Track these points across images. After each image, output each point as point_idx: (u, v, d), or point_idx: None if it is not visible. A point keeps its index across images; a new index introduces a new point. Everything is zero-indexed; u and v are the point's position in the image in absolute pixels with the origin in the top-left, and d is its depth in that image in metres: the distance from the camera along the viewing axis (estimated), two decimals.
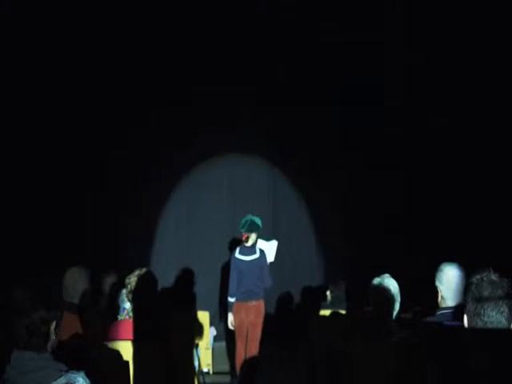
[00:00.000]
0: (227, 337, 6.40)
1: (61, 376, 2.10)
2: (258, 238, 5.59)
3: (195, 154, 7.34)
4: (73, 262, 4.01)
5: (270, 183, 7.64)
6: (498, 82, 6.10)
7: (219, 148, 7.45)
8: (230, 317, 5.45)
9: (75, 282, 3.70)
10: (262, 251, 5.50)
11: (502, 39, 5.96)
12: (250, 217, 5.52)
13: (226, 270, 6.07)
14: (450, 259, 3.22)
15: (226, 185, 7.57)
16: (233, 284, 5.42)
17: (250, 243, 5.46)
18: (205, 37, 6.80)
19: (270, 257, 5.87)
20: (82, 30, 6.31)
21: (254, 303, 5.38)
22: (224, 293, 5.88)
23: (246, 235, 5.45)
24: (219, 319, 6.55)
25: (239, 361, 5.42)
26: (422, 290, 3.65)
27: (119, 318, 3.88)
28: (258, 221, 5.49)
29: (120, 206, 6.78)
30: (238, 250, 5.52)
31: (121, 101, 6.77)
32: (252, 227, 5.41)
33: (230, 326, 5.50)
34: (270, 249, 5.96)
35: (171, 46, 6.82)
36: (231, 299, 5.43)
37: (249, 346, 5.39)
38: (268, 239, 6.31)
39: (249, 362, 5.27)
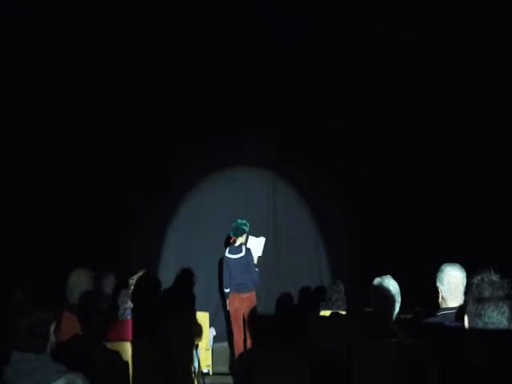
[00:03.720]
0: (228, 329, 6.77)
1: (60, 377, 2.10)
2: (247, 238, 6.49)
3: (197, 155, 7.34)
4: (73, 262, 4.00)
5: (270, 185, 7.65)
6: (499, 86, 6.12)
7: (220, 151, 7.45)
8: (228, 302, 6.38)
9: (82, 284, 3.69)
10: (247, 249, 6.32)
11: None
12: (237, 222, 6.38)
13: (221, 267, 6.70)
14: (451, 260, 3.21)
15: (226, 186, 7.57)
16: (226, 277, 6.36)
17: (237, 244, 6.36)
18: (204, 46, 6.79)
19: (258, 251, 6.62)
20: (83, 28, 6.28)
21: (246, 295, 6.21)
22: (221, 286, 6.71)
23: (233, 239, 6.41)
24: (222, 306, 6.96)
25: (238, 341, 6.22)
26: (422, 290, 3.64)
27: (119, 318, 3.88)
28: (245, 226, 6.36)
29: (121, 207, 6.78)
30: (228, 249, 6.41)
31: (126, 111, 6.78)
32: (238, 232, 6.34)
33: (229, 308, 6.41)
34: (258, 244, 6.66)
35: (171, 61, 6.80)
36: (226, 290, 6.38)
37: (247, 333, 6.13)
38: (257, 235, 6.78)
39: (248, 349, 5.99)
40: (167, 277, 5.61)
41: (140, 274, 4.54)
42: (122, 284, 4.49)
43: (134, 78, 6.69)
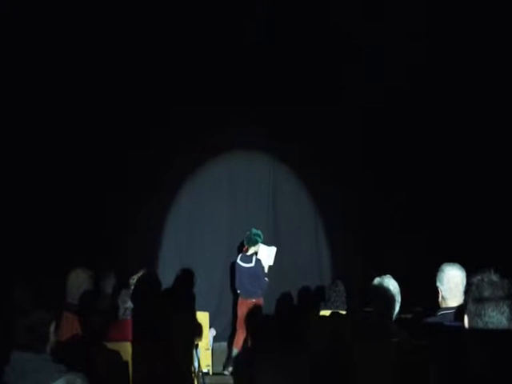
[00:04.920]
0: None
1: (60, 377, 2.10)
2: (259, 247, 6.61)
3: (196, 155, 7.34)
4: (73, 262, 4.00)
5: (271, 183, 7.65)
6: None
7: (220, 149, 7.45)
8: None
9: (80, 284, 3.69)
10: (257, 260, 6.50)
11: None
12: (251, 232, 6.55)
13: (233, 269, 6.87)
14: (451, 260, 3.21)
15: (226, 186, 7.57)
16: (237, 281, 6.60)
17: (249, 253, 6.56)
18: (205, 38, 6.78)
19: (269, 261, 6.74)
20: (83, 28, 6.29)
21: (253, 301, 6.34)
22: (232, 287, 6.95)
23: (246, 247, 6.59)
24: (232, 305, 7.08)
25: (238, 341, 6.30)
26: (422, 290, 3.64)
27: (119, 318, 3.88)
28: (259, 237, 6.54)
29: (121, 207, 6.77)
30: (240, 256, 6.61)
31: (124, 104, 6.76)
32: (250, 242, 6.54)
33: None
34: (269, 254, 6.77)
35: (169, 49, 6.78)
36: (239, 290, 6.62)
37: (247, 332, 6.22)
38: (268, 244, 6.86)
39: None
40: (167, 276, 5.61)
41: (140, 273, 4.54)
42: (122, 284, 4.49)
43: (131, 70, 6.69)
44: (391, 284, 3.13)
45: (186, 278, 5.16)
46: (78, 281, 3.71)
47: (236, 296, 6.84)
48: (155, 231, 7.27)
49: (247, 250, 6.57)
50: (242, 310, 6.32)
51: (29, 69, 6.14)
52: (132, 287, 4.22)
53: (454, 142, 6.57)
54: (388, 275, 3.19)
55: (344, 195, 7.30)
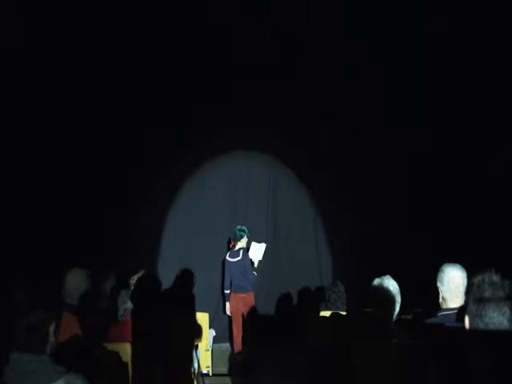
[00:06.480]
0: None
1: (60, 378, 2.10)
2: (248, 242, 6.86)
3: (197, 155, 7.34)
4: (73, 262, 3.99)
5: (271, 183, 7.64)
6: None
7: (220, 149, 7.45)
8: (228, 305, 6.82)
9: (79, 283, 3.68)
10: (244, 254, 6.75)
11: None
12: (236, 228, 6.82)
13: (224, 269, 6.99)
14: (452, 260, 3.20)
15: (226, 186, 7.57)
16: (226, 279, 6.83)
17: (236, 248, 6.82)
18: (207, 37, 6.79)
19: (259, 256, 6.97)
20: (80, 30, 6.29)
21: (243, 295, 6.65)
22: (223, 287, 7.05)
23: (232, 244, 6.89)
24: (222, 308, 7.13)
25: (237, 340, 6.57)
26: (422, 290, 3.64)
27: (119, 318, 3.88)
28: (243, 232, 6.79)
29: (120, 208, 6.77)
30: (228, 253, 6.87)
31: (123, 104, 6.76)
32: (236, 238, 6.81)
33: (228, 313, 6.84)
34: (259, 249, 6.98)
35: (170, 49, 6.80)
36: (226, 291, 6.83)
37: (246, 332, 6.42)
38: (257, 230, 7.15)
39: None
40: (167, 277, 5.61)
41: (140, 273, 4.54)
42: (122, 284, 4.49)
43: (131, 71, 6.69)
44: (391, 284, 3.12)
45: (186, 278, 5.16)
46: (77, 280, 3.70)
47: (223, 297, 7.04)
48: (155, 231, 7.27)
49: (234, 247, 6.83)
50: (233, 305, 6.70)
51: (30, 73, 6.14)
52: (132, 287, 4.22)
53: (454, 142, 6.56)
54: (388, 275, 3.18)
55: (344, 196, 7.29)
